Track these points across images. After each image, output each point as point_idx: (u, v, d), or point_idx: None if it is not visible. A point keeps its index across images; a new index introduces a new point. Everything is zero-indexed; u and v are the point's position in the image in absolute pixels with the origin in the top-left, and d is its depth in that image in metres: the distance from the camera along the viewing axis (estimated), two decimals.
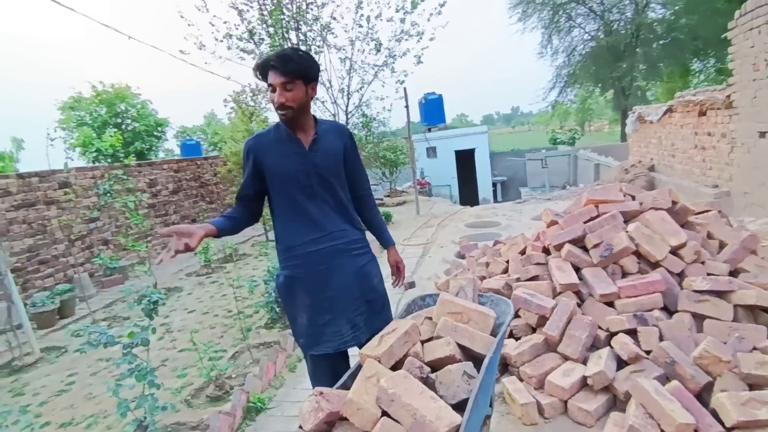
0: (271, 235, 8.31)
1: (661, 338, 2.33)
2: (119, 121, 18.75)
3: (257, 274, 6.06)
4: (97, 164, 9.89)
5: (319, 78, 1.88)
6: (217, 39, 7.58)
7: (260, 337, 3.98)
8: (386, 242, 2.16)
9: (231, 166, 8.38)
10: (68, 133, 16.91)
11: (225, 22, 7.61)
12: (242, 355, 3.69)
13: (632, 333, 2.42)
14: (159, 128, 19.86)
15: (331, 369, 1.90)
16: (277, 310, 4.20)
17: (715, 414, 1.96)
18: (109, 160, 9.36)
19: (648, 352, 2.29)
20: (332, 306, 1.85)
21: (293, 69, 1.71)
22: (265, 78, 1.76)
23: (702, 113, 6.46)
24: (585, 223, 3.02)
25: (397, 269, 2.19)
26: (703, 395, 2.09)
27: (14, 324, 4.19)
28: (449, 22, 8.16)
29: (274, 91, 1.73)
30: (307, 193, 1.84)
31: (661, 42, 18.41)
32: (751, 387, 2.05)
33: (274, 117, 9.12)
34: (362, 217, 2.09)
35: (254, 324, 4.32)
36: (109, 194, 5.17)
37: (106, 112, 18.39)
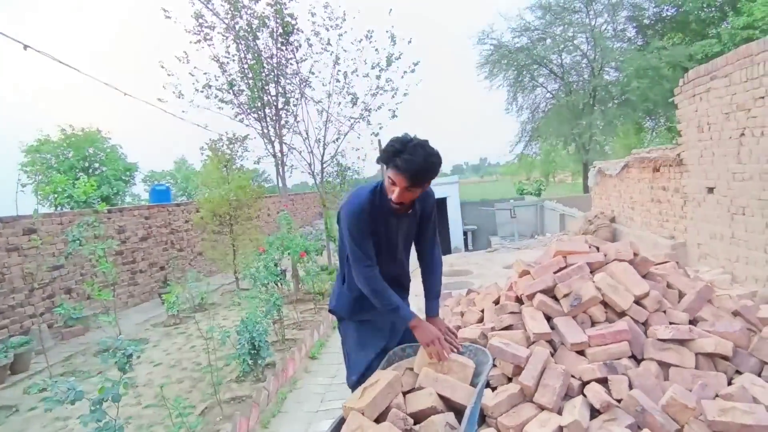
0: (243, 284, 8.18)
1: (630, 386, 2.42)
2: (86, 165, 18.39)
3: (227, 324, 5.90)
4: (64, 210, 9.61)
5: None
6: (197, 89, 7.76)
7: (231, 391, 3.85)
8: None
9: (204, 213, 8.29)
10: (30, 177, 16.38)
11: (205, 73, 7.83)
12: (212, 410, 3.54)
13: (603, 381, 2.50)
14: (127, 173, 19.56)
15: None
16: (249, 362, 4.08)
17: None
18: (81, 207, 9.15)
19: (619, 401, 2.37)
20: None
21: (420, 183, 1.85)
22: (386, 163, 1.84)
23: (656, 169, 6.96)
24: (555, 273, 3.16)
25: None
26: None
27: None
28: (422, 79, 8.66)
29: (394, 184, 1.83)
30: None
31: (616, 102, 19.90)
32: None
33: (248, 165, 9.23)
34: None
35: (225, 378, 4.17)
36: (78, 241, 5.03)
37: (74, 156, 18.03)
